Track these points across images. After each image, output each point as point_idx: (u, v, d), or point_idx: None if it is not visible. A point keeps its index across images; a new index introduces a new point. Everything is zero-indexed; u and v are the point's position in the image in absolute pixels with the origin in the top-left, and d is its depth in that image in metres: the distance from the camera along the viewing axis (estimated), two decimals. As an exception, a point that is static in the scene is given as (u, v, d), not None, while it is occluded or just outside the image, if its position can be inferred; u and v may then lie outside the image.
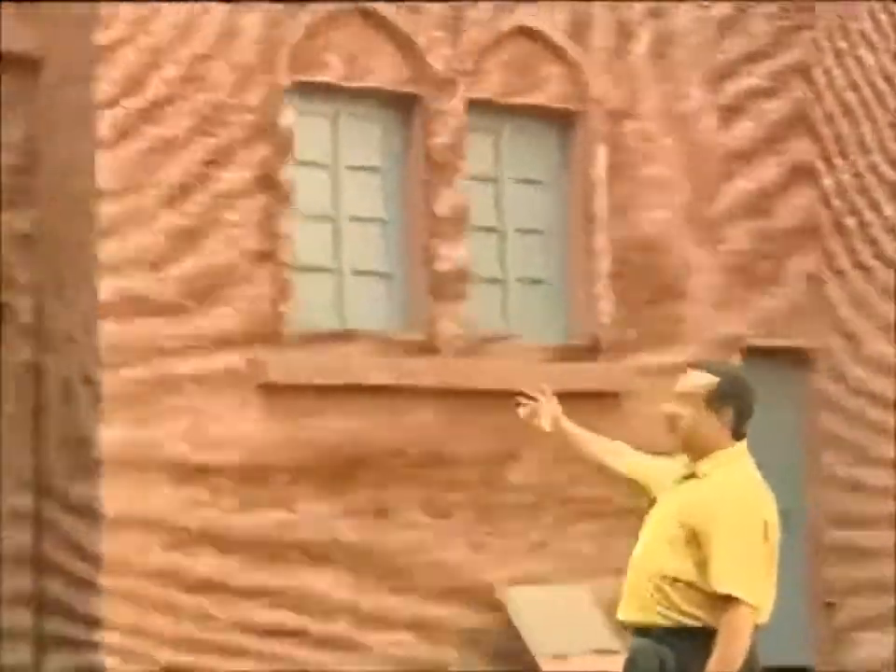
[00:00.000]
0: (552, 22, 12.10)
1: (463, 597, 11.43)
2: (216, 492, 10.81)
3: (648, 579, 4.99)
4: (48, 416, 11.22)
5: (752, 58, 13.08)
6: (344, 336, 11.34)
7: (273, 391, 11.03)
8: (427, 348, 11.54)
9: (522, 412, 5.66)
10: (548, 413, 5.60)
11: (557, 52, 12.15)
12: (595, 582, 11.43)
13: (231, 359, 10.93)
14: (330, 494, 11.14)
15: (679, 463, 5.20)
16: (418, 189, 11.71)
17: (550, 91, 12.17)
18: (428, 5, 11.70)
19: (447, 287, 11.62)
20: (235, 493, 10.85)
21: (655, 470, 5.32)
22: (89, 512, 10.63)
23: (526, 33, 12.06)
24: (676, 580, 4.93)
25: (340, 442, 11.19)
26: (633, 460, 5.45)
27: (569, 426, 5.61)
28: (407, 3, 11.61)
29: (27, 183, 11.41)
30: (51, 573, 10.97)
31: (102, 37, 10.82)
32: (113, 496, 10.54)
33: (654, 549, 5.02)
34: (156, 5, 10.92)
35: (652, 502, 5.24)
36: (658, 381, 11.00)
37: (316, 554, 11.05)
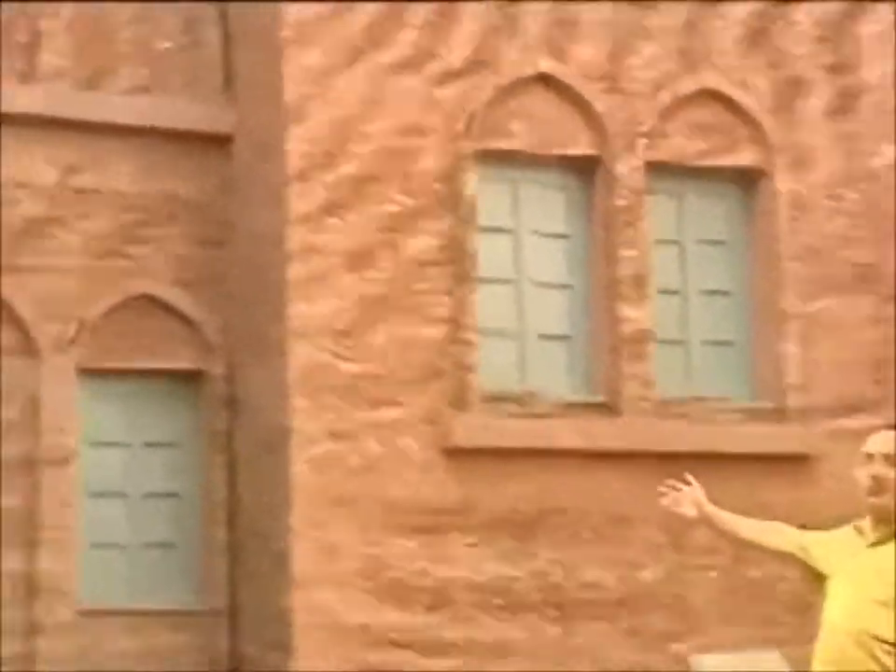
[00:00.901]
0: (731, 82, 12.08)
1: (652, 661, 11.33)
2: (399, 551, 10.93)
3: (854, 641, 4.95)
4: (242, 482, 11.52)
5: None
6: (528, 399, 11.41)
7: (456, 454, 11.14)
8: (611, 410, 11.54)
9: (665, 500, 5.70)
10: (691, 500, 5.63)
11: (738, 112, 12.12)
12: (788, 647, 11.22)
13: (414, 421, 11.08)
14: (515, 554, 11.17)
15: (849, 530, 5.19)
16: (600, 252, 11.76)
17: (732, 151, 12.13)
18: (610, 68, 11.80)
19: (630, 349, 11.62)
20: (418, 553, 10.95)
21: (824, 544, 5.30)
22: (282, 570, 10.84)
23: (707, 93, 12.06)
24: (885, 641, 4.89)
25: (523, 504, 11.23)
26: (794, 537, 5.43)
27: (715, 511, 5.64)
28: (584, 68, 11.72)
29: (222, 253, 11.83)
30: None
31: (292, 113, 11.14)
32: (303, 551, 10.73)
33: (860, 611, 4.98)
34: (344, 78, 11.22)
35: (817, 575, 5.22)
36: (847, 443, 10.82)
37: (500, 611, 11.07)
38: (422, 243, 11.29)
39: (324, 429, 10.94)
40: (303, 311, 11.02)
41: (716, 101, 12.11)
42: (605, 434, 11.46)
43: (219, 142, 11.97)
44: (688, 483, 5.69)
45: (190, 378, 11.91)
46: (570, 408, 11.52)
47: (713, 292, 12.20)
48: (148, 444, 11.79)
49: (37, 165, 11.57)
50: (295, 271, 11.04)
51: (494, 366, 11.49)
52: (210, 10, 12.14)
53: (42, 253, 11.50)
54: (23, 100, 11.44)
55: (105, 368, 11.61)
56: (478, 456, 11.22)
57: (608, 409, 11.57)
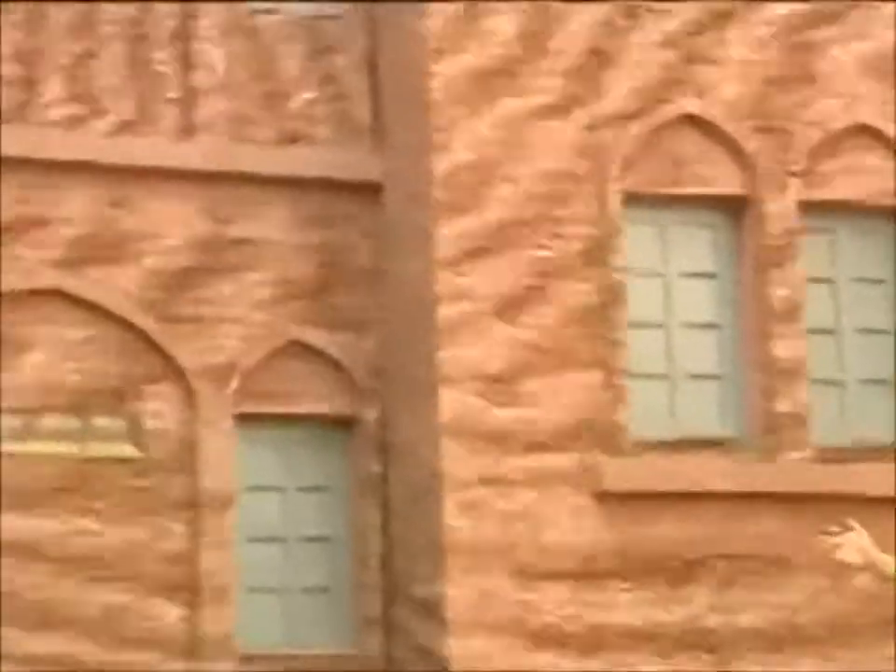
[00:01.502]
0: (883, 116, 11.92)
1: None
2: (553, 597, 10.89)
3: None
4: (394, 527, 11.59)
5: None
6: (680, 441, 11.32)
7: (609, 498, 11.09)
8: (765, 451, 11.39)
9: (827, 546, 5.60)
10: (856, 546, 5.52)
11: (890, 146, 11.94)
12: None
13: (567, 466, 11.06)
14: (667, 601, 11.07)
15: None
16: (750, 292, 11.65)
17: (887, 189, 11.95)
18: (758, 107, 11.72)
19: (783, 388, 11.47)
20: (572, 599, 10.91)
21: None
22: (436, 616, 10.87)
23: (860, 129, 11.91)
24: None
25: (677, 549, 11.13)
26: None
27: (881, 557, 5.51)
28: (731, 108, 11.65)
29: (373, 299, 11.98)
30: (399, 677, 11.26)
31: (440, 159, 11.25)
32: (456, 597, 10.75)
33: None
34: (491, 124, 11.30)
35: None
36: None
37: (655, 656, 10.97)
38: (572, 287, 11.30)
39: (476, 475, 10.97)
40: (453, 356, 11.09)
41: (870, 137, 11.95)
42: (759, 476, 11.32)
43: (369, 190, 12.14)
44: (850, 529, 5.60)
45: (343, 423, 12.04)
46: (723, 449, 11.41)
47: (868, 330, 12.00)
48: (302, 489, 11.93)
49: (193, 217, 11.82)
50: (444, 316, 11.12)
51: (645, 409, 11.43)
52: (360, 62, 12.31)
53: (199, 303, 11.73)
54: (180, 154, 11.71)
55: (260, 413, 11.79)
56: (631, 500, 11.15)
57: (761, 450, 11.43)
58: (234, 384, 11.70)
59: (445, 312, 11.13)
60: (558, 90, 11.50)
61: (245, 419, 11.79)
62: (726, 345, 11.71)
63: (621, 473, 11.13)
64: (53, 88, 11.65)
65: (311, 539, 11.89)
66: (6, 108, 11.52)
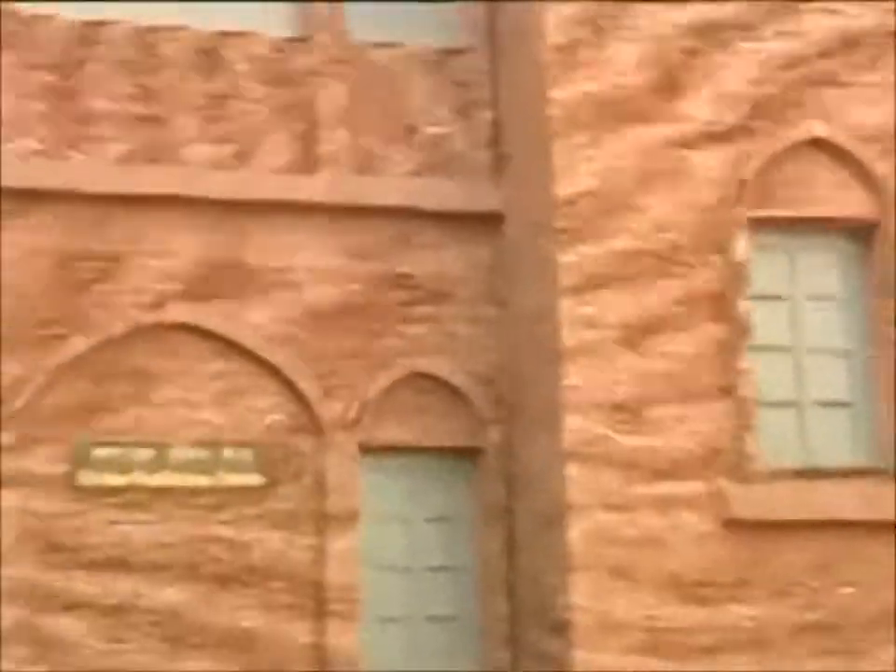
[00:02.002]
0: None
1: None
2: (682, 622, 10.78)
3: None
4: (520, 555, 11.58)
5: None
6: (809, 469, 11.16)
7: (737, 526, 10.96)
8: (897, 480, 11.20)
9: None
10: None
11: None
12: None
13: (693, 494, 10.96)
14: (800, 631, 10.89)
15: None
16: (881, 317, 11.47)
17: None
18: (886, 130, 11.56)
19: (915, 416, 11.26)
20: (700, 625, 10.79)
21: None
22: (563, 639, 10.83)
23: None
24: None
25: (807, 577, 10.96)
26: None
27: None
28: (858, 131, 11.50)
29: (494, 329, 12.01)
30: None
31: (561, 188, 11.27)
32: (583, 624, 10.70)
33: None
34: (613, 153, 11.29)
35: None
36: None
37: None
38: (698, 315, 11.22)
39: (601, 502, 10.92)
40: (577, 384, 11.07)
41: None
42: (890, 505, 11.11)
43: (490, 220, 12.19)
44: None
45: (467, 453, 12.08)
46: (854, 477, 11.22)
47: None
48: (428, 519, 11.98)
49: (319, 249, 11.97)
50: (568, 344, 11.11)
51: (773, 436, 11.30)
52: (482, 94, 12.39)
53: (323, 333, 11.86)
54: (306, 188, 11.88)
55: (384, 445, 11.87)
56: (759, 529, 11.02)
57: (893, 478, 11.22)
58: (359, 415, 11.80)
59: (568, 340, 11.12)
60: (683, 117, 11.47)
61: (370, 449, 11.88)
62: (856, 372, 11.53)
63: (748, 501, 11.00)
64: (186, 126, 11.90)
65: (437, 569, 11.92)
66: (137, 147, 11.78)
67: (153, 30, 11.94)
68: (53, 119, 11.68)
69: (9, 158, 11.49)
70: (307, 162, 12.02)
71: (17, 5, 11.72)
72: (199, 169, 11.81)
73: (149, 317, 11.63)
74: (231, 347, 11.75)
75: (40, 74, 11.70)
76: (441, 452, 12.04)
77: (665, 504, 10.97)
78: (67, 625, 11.16)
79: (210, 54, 12.02)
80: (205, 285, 11.76)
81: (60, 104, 11.71)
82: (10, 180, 11.44)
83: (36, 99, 11.69)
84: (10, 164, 11.47)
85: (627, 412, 11.07)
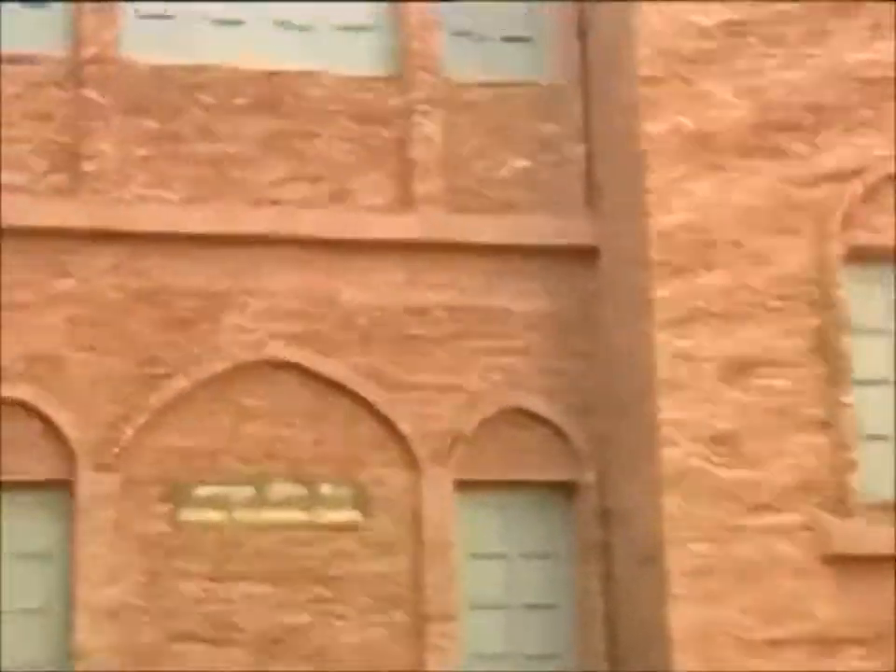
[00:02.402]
0: None
1: None
2: (782, 659, 10.72)
3: None
4: (618, 592, 11.54)
5: None
6: (911, 503, 11.10)
7: (837, 561, 10.90)
8: None
9: None
10: None
11: None
12: None
13: (793, 528, 10.91)
14: (905, 667, 10.84)
15: None
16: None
17: None
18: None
19: None
20: (801, 663, 10.72)
21: None
22: (663, 668, 10.82)
23: None
24: None
25: (913, 613, 10.89)
26: None
27: None
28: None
29: (590, 363, 12.02)
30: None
31: (656, 222, 11.27)
32: (685, 663, 10.65)
33: None
34: (706, 185, 11.29)
35: None
36: None
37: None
38: (793, 346, 11.20)
39: (699, 537, 10.88)
40: (674, 418, 11.05)
41: None
42: None
43: (585, 255, 12.21)
44: None
45: (563, 488, 12.07)
46: (955, 511, 11.14)
47: None
48: (524, 555, 11.96)
49: (413, 286, 12.02)
50: (664, 378, 11.10)
51: (873, 470, 11.23)
52: (575, 129, 12.42)
53: (420, 371, 11.91)
54: (402, 227, 11.94)
55: (480, 480, 11.88)
56: (860, 564, 10.95)
57: None
58: (455, 451, 11.82)
59: (665, 374, 11.11)
60: (776, 149, 11.46)
61: (466, 486, 11.90)
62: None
63: (849, 535, 10.94)
64: (284, 166, 11.99)
65: (534, 606, 11.90)
66: (236, 187, 11.89)
67: (250, 73, 12.03)
68: (155, 163, 11.79)
69: (116, 203, 11.60)
70: (403, 201, 12.08)
71: (120, 53, 11.85)
72: (296, 208, 11.89)
73: (249, 355, 11.70)
74: (328, 385, 11.80)
75: (141, 119, 11.82)
76: (536, 487, 12.04)
77: (763, 537, 10.92)
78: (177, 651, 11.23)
79: (306, 95, 12.10)
80: (304, 323, 11.82)
81: (161, 148, 11.82)
82: (117, 223, 11.55)
83: (139, 144, 11.80)
84: (117, 209, 11.58)
85: (725, 444, 11.04)
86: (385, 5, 12.47)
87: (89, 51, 11.75)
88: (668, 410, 11.07)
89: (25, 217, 11.44)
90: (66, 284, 11.54)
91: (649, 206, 11.32)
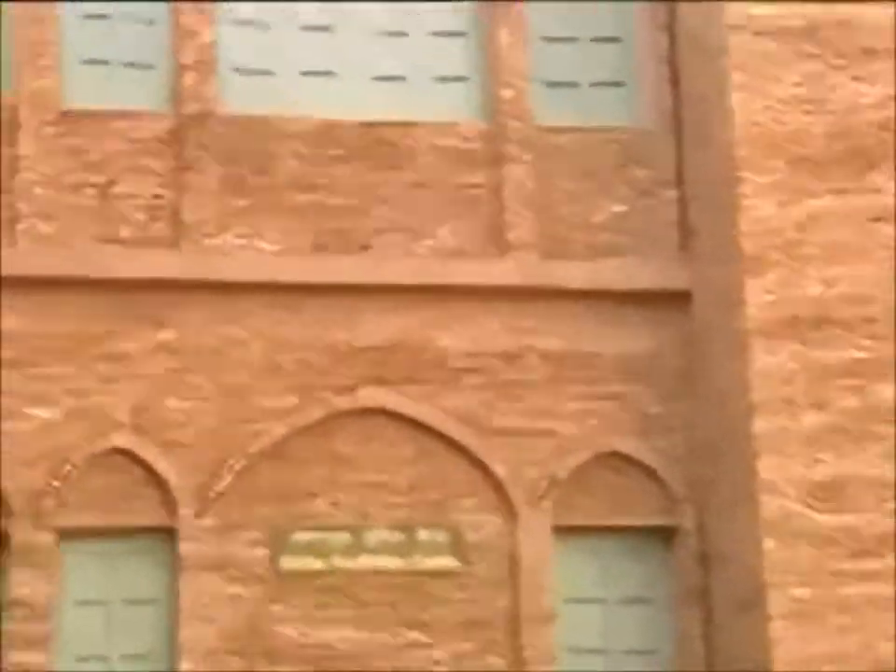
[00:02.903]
0: None
1: None
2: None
3: None
4: (718, 638, 11.46)
5: None
6: None
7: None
8: None
9: None
10: None
11: None
12: None
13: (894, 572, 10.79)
14: None
15: None
16: None
17: None
18: None
19: None
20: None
21: None
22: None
23: None
24: None
25: None
26: None
27: None
28: None
29: (685, 407, 11.98)
30: None
31: (751, 266, 11.25)
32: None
33: None
34: (802, 228, 11.26)
35: None
36: None
37: None
38: (888, 390, 11.09)
39: (799, 581, 10.77)
40: (773, 463, 10.97)
41: None
42: None
43: (679, 298, 12.19)
44: None
45: (661, 533, 12.01)
46: None
47: None
48: (622, 600, 11.91)
49: (507, 332, 12.09)
50: (762, 423, 11.03)
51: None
52: (667, 174, 12.45)
53: (515, 415, 11.96)
54: (495, 272, 12.03)
55: (577, 525, 11.86)
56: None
57: None
58: (551, 495, 11.83)
59: (762, 419, 11.04)
60: (874, 189, 11.38)
61: (563, 530, 11.88)
62: None
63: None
64: (376, 215, 12.16)
65: (633, 652, 11.83)
66: (328, 236, 12.07)
67: (345, 124, 12.23)
68: (252, 214, 12.00)
69: (214, 254, 11.83)
70: (496, 247, 12.16)
71: (219, 108, 12.10)
72: (391, 256, 12.02)
73: (345, 402, 11.82)
74: (424, 430, 11.88)
75: (239, 171, 12.05)
76: (634, 532, 11.99)
77: (864, 582, 10.79)
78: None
79: (400, 144, 12.26)
80: (398, 369, 11.92)
81: (258, 198, 12.03)
82: (215, 274, 11.78)
83: (237, 195, 12.02)
84: (215, 259, 11.81)
85: (825, 489, 10.93)
86: (476, 55, 12.60)
87: (189, 107, 12.02)
88: (767, 454, 10.99)
89: (128, 268, 11.69)
90: (167, 334, 11.75)
91: (742, 250, 11.29)
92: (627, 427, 11.99)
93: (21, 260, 11.54)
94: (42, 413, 11.48)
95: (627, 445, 11.97)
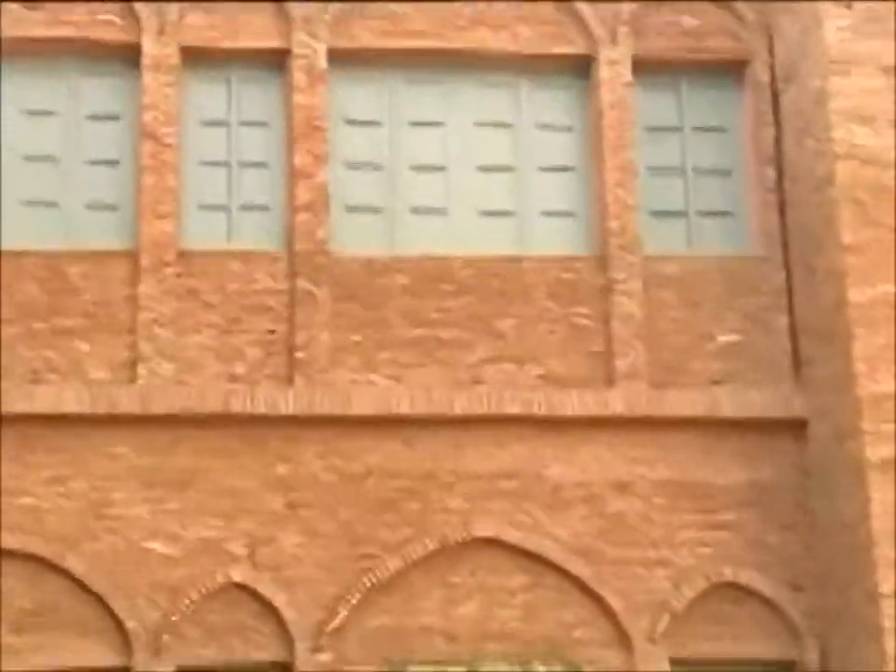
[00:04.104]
0: None
1: None
2: None
3: None
4: None
5: None
6: None
7: None
8: None
9: None
10: None
11: None
12: None
13: None
14: None
15: None
16: None
17: None
18: None
19: None
20: None
21: None
22: None
23: None
24: None
25: None
26: None
27: None
28: None
29: (801, 536, 11.82)
30: None
31: (867, 396, 11.14)
32: None
33: None
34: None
35: None
36: None
37: None
38: None
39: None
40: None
41: None
42: None
43: (793, 427, 12.09)
44: None
45: (782, 666, 11.79)
46: None
47: None
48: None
49: (618, 462, 12.08)
50: (882, 551, 10.83)
51: None
52: (777, 300, 12.43)
53: (629, 546, 11.91)
54: (605, 403, 12.08)
55: (696, 658, 11.68)
56: None
57: None
58: (668, 627, 11.68)
59: (884, 547, 10.85)
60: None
61: (681, 663, 11.70)
62: None
63: None
64: (487, 348, 12.28)
65: None
66: (441, 370, 12.21)
67: (454, 259, 12.42)
68: (364, 348, 12.20)
69: (327, 388, 12.02)
70: (605, 377, 12.20)
71: (331, 246, 12.39)
72: (501, 388, 12.11)
73: (458, 534, 11.84)
74: (537, 561, 11.84)
75: (351, 306, 12.28)
76: (754, 665, 11.77)
77: None
78: None
79: (508, 277, 12.41)
80: (511, 500, 11.94)
81: (369, 333, 12.23)
82: (328, 408, 11.96)
83: (349, 330, 12.23)
84: (328, 393, 11.99)
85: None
86: (584, 189, 12.77)
87: (303, 246, 12.31)
88: (889, 583, 10.78)
89: (244, 405, 11.91)
90: (283, 468, 11.91)
91: (856, 376, 11.21)
92: (744, 557, 11.84)
93: (142, 398, 11.82)
94: (161, 547, 11.66)
95: (743, 575, 11.81)
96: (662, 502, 11.98)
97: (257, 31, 12.64)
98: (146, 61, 12.40)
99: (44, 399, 11.73)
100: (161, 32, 12.45)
